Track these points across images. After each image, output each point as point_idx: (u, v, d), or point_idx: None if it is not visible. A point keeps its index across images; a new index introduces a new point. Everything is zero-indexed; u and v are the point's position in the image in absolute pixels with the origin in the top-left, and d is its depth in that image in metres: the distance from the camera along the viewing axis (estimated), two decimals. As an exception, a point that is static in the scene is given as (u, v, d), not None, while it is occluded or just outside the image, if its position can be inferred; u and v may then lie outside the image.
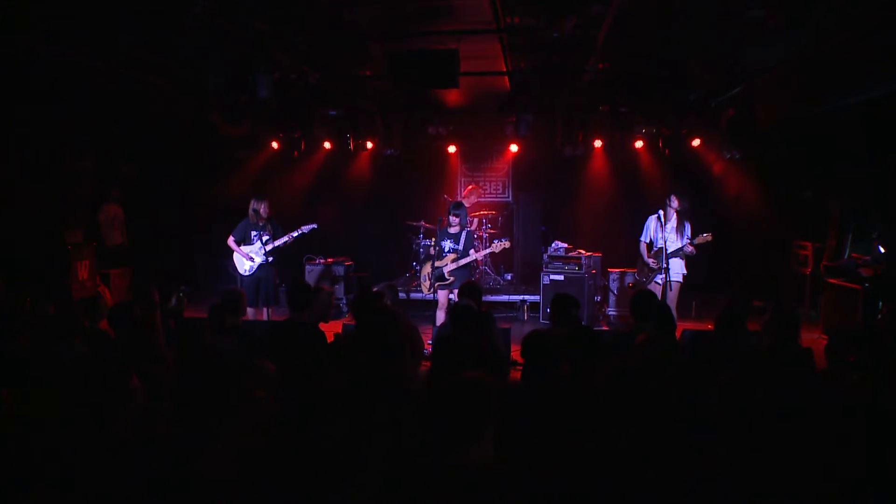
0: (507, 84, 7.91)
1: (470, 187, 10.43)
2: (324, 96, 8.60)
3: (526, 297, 9.57)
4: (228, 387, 3.19)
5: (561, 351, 4.35)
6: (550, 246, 9.19)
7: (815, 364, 4.16)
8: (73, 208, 8.58)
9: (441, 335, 5.04)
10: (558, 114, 9.93)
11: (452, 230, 7.48)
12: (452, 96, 9.70)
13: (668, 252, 7.04)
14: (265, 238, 7.47)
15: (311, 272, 9.74)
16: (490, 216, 10.30)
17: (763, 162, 9.71)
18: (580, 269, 8.85)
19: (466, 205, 10.19)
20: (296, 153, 10.56)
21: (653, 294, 5.38)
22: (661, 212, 7.16)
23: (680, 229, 7.16)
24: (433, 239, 7.42)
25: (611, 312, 9.19)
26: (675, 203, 7.12)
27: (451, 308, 4.77)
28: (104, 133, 8.91)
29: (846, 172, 8.48)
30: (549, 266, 9.04)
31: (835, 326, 4.50)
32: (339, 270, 9.72)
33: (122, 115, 8.48)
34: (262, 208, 7.46)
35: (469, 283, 5.52)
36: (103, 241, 9.63)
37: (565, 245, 9.15)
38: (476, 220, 10.16)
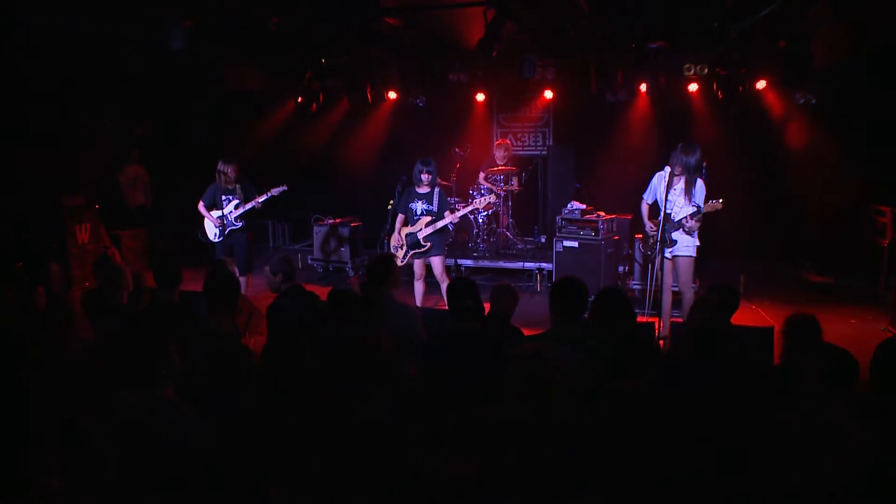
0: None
1: (499, 142, 9.41)
2: (311, 43, 7.97)
3: (543, 264, 8.56)
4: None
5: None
6: (565, 208, 8.08)
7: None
8: (77, 172, 8.60)
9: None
10: (590, 54, 8.59)
11: (422, 189, 6.71)
12: (474, 37, 8.70)
13: (674, 221, 5.76)
14: (235, 202, 7.10)
15: (319, 233, 9.34)
16: (513, 172, 9.15)
17: (837, 109, 7.91)
18: (596, 234, 7.71)
19: (500, 162, 9.16)
20: (314, 106, 10.04)
21: (582, 284, 4.31)
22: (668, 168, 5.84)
23: (689, 191, 5.79)
24: (392, 203, 6.68)
25: (636, 286, 8.00)
26: (677, 170, 5.74)
27: (329, 293, 4.10)
28: (118, 94, 8.84)
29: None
30: (563, 231, 7.96)
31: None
32: (345, 232, 9.22)
33: (136, 74, 8.34)
34: (230, 170, 7.05)
35: (373, 259, 4.78)
36: (125, 202, 9.78)
37: (582, 206, 8.00)
38: (502, 175, 9.04)
